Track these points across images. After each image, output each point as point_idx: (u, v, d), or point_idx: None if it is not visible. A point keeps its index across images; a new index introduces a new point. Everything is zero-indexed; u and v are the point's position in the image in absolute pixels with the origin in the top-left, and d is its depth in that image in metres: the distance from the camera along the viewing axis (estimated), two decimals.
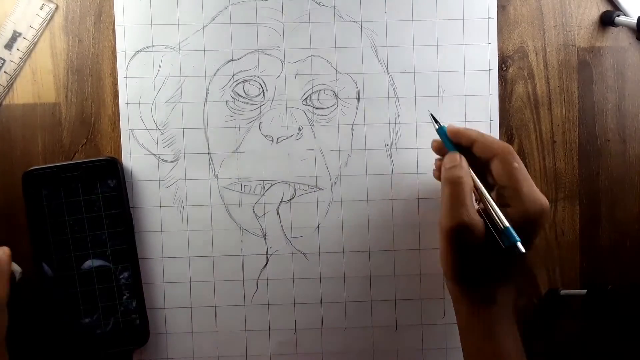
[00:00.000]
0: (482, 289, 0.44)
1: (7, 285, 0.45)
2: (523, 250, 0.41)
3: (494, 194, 0.44)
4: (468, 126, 0.51)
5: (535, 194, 0.42)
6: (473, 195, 0.43)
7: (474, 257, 0.43)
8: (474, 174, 0.44)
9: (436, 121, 0.47)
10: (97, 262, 0.49)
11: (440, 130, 0.46)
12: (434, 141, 0.47)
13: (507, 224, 0.41)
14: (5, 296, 0.44)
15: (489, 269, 0.43)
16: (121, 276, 0.49)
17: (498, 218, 0.42)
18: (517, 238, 0.41)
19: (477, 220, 0.42)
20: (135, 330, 0.49)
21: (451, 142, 0.46)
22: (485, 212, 0.43)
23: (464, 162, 0.44)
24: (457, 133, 0.45)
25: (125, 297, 0.49)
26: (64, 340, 0.48)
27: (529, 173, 0.51)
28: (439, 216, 0.43)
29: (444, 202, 0.43)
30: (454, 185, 0.43)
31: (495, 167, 0.43)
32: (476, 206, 0.44)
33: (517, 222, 0.42)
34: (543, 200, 0.43)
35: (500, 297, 0.44)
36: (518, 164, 0.43)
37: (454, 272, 0.44)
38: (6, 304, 0.44)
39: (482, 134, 0.45)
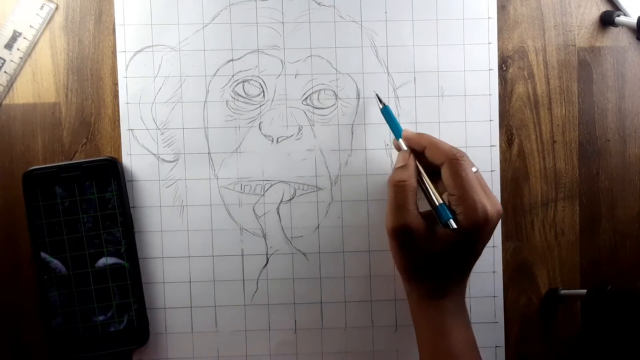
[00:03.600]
0: (430, 283, 0.45)
1: None
2: (454, 225, 0.43)
3: (445, 196, 0.45)
4: (468, 126, 0.51)
5: (479, 202, 0.43)
6: (415, 198, 0.45)
7: (419, 255, 0.45)
8: (422, 169, 0.46)
9: (380, 101, 0.49)
10: (100, 262, 0.49)
11: (384, 111, 0.49)
12: (394, 140, 0.49)
13: (441, 201, 0.43)
14: None
15: (437, 265, 0.45)
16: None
17: (433, 195, 0.44)
18: (449, 215, 0.43)
19: (418, 222, 0.44)
20: (135, 330, 0.49)
21: (394, 123, 0.48)
22: (422, 185, 0.45)
23: (412, 161, 0.46)
24: (410, 140, 0.47)
25: (120, 297, 0.49)
26: (60, 340, 0.49)
27: (530, 173, 0.51)
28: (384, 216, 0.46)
29: (388, 203, 0.45)
30: (397, 189, 0.45)
31: (444, 173, 0.44)
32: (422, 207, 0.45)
33: (464, 227, 0.43)
34: (489, 207, 0.43)
35: (450, 290, 0.45)
36: (465, 172, 0.43)
37: (402, 268, 0.46)
38: None
39: (434, 141, 0.46)
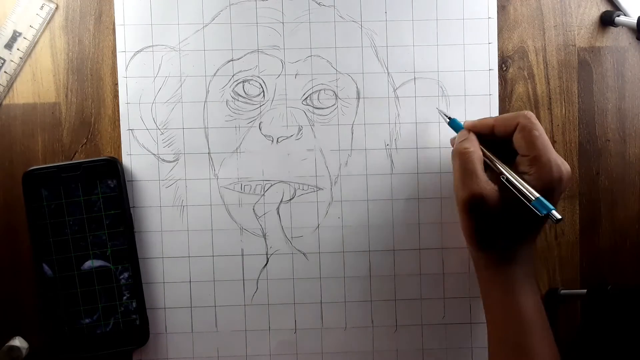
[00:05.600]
0: (501, 250, 0.45)
1: None
2: (559, 216, 0.41)
3: (515, 163, 0.44)
4: None
5: (553, 161, 0.43)
6: (482, 165, 0.44)
7: (491, 223, 0.44)
8: (487, 151, 0.45)
9: (445, 115, 0.49)
10: (97, 263, 0.49)
11: (452, 123, 0.48)
12: (451, 139, 0.49)
13: (537, 195, 0.42)
14: None
15: (507, 232, 0.44)
16: (121, 276, 0.49)
17: (527, 190, 0.42)
18: (551, 206, 0.41)
19: (490, 188, 0.43)
20: (135, 330, 0.49)
21: (460, 127, 0.48)
22: (509, 182, 0.43)
23: (472, 136, 0.46)
24: (475, 127, 0.47)
25: (125, 297, 0.49)
26: (64, 340, 0.48)
27: None
28: (453, 187, 0.45)
29: (455, 174, 0.45)
30: (462, 156, 0.44)
31: (517, 137, 0.44)
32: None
33: (536, 189, 0.42)
34: (563, 167, 0.43)
35: (519, 256, 0.45)
36: (538, 132, 0.43)
37: (473, 238, 0.45)
38: None
39: (499, 117, 0.46)
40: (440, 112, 0.50)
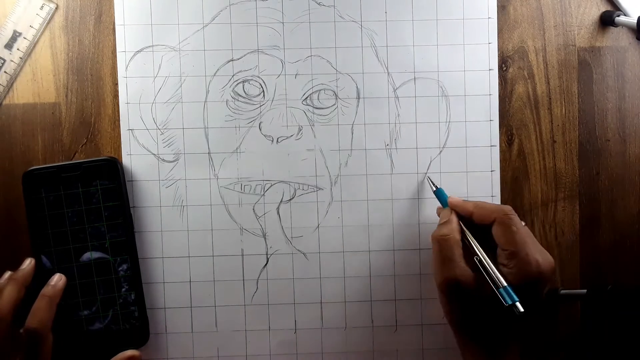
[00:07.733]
0: (486, 340, 0.44)
1: (54, 312, 0.45)
2: (521, 309, 0.41)
3: (497, 254, 0.44)
4: (468, 126, 0.51)
5: (532, 256, 0.43)
6: (461, 250, 0.45)
7: (471, 310, 0.44)
8: (469, 234, 0.45)
9: (433, 184, 0.50)
10: (96, 255, 0.48)
11: (437, 192, 0.49)
12: (438, 207, 0.50)
13: (505, 284, 0.42)
14: (50, 321, 0.45)
15: (490, 320, 0.44)
16: (120, 268, 0.49)
17: (496, 277, 0.43)
18: (515, 298, 0.42)
19: (466, 274, 0.44)
20: (135, 330, 0.49)
21: (444, 198, 0.48)
22: (481, 265, 0.44)
23: (454, 218, 0.46)
24: (455, 206, 0.47)
25: (124, 289, 0.49)
26: (64, 339, 0.48)
27: (530, 173, 0.51)
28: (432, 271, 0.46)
29: (433, 259, 0.46)
30: (439, 242, 0.45)
31: (495, 230, 0.44)
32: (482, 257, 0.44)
33: (515, 283, 0.42)
34: (542, 261, 0.43)
35: (506, 352, 0.44)
36: (516, 227, 0.43)
37: (453, 322, 0.45)
38: (50, 329, 0.45)
39: (479, 203, 0.46)
40: (428, 179, 0.50)
